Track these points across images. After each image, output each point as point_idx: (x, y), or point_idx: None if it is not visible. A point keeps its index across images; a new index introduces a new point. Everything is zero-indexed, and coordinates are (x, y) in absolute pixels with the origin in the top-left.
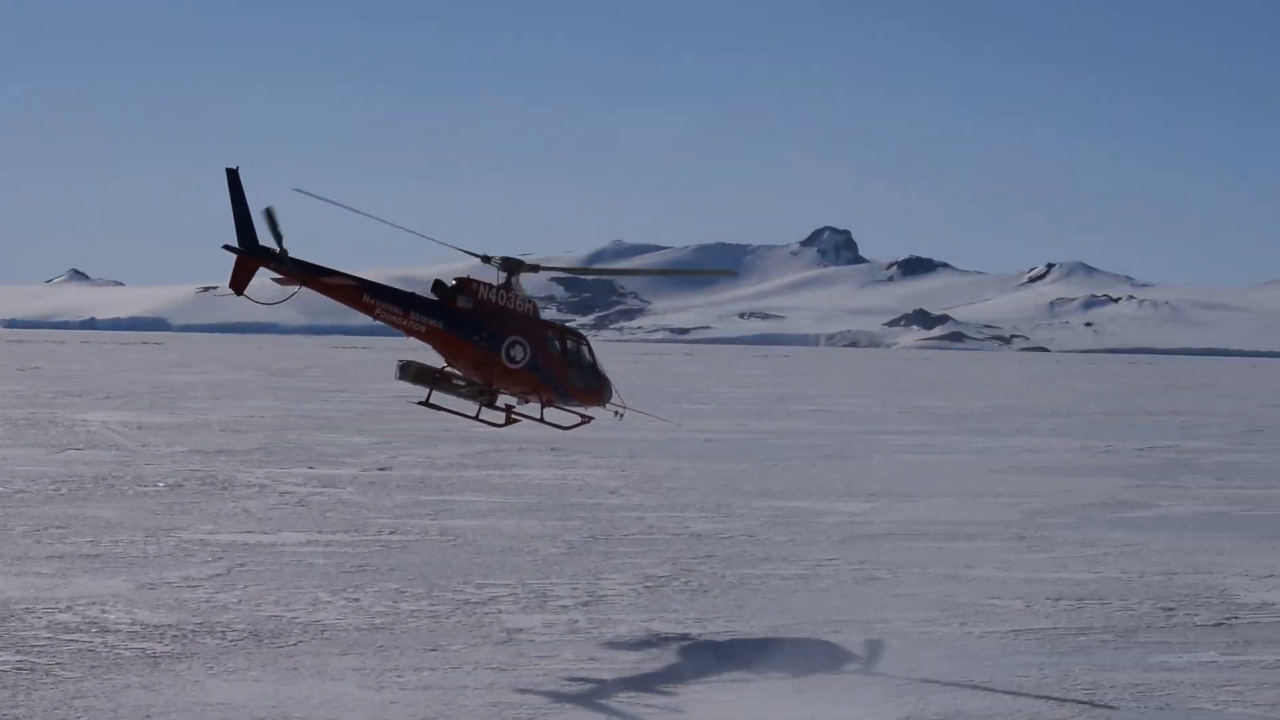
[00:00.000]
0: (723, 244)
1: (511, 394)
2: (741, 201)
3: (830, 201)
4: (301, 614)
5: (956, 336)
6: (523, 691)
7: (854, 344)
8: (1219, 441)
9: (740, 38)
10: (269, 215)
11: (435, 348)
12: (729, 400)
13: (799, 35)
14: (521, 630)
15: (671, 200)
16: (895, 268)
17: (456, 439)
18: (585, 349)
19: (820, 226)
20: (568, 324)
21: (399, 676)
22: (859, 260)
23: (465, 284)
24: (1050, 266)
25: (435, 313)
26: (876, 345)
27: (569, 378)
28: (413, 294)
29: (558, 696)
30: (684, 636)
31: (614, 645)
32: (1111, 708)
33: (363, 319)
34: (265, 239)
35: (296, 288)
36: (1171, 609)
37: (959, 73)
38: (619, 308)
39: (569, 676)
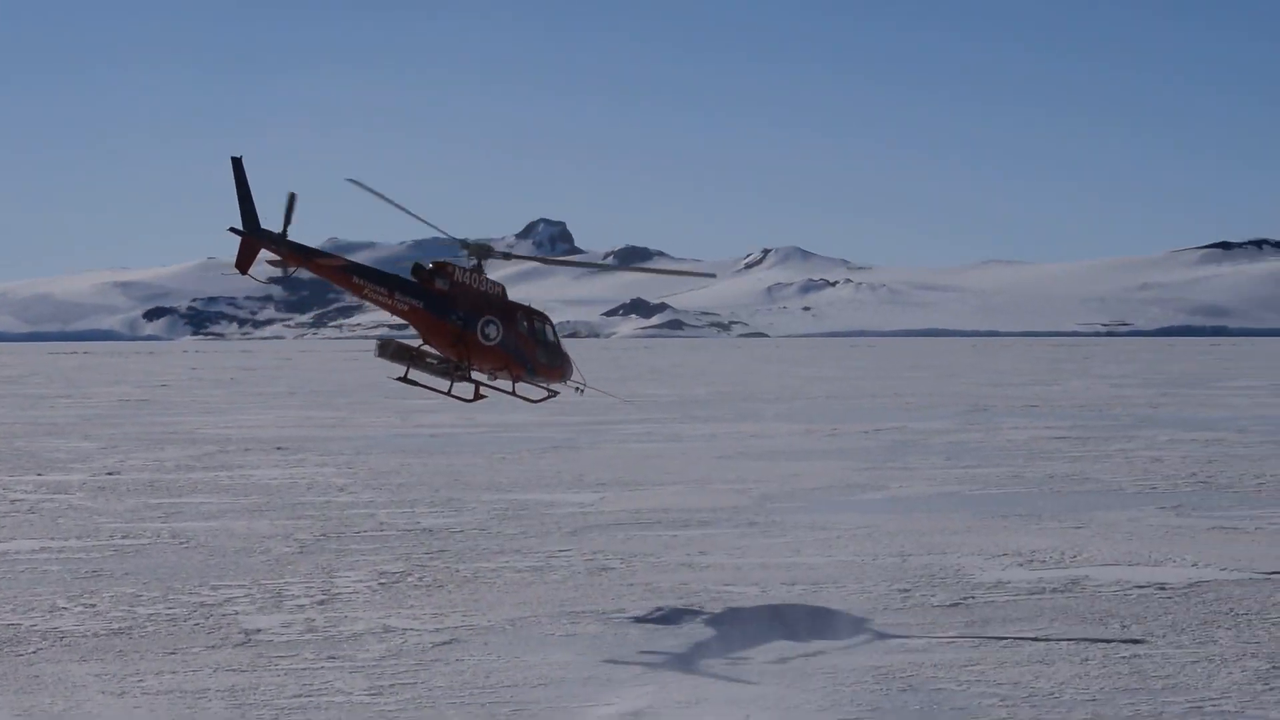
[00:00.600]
0: (437, 239)
1: (483, 370)
2: (457, 196)
3: (545, 194)
4: (39, 621)
5: (675, 324)
6: (264, 692)
7: (574, 334)
8: (944, 422)
9: (442, 38)
10: (290, 200)
11: (415, 326)
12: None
13: (502, 32)
14: (259, 630)
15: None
16: (612, 258)
17: (182, 441)
18: (549, 329)
19: (535, 219)
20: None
21: (140, 681)
22: (575, 251)
23: (442, 267)
24: (766, 252)
25: (416, 294)
26: (596, 335)
27: (536, 355)
28: (396, 276)
29: (299, 696)
30: (421, 632)
31: (352, 642)
32: (854, 690)
33: (83, 324)
34: (270, 223)
35: (293, 268)
36: (908, 590)
37: (666, 64)
38: (336, 305)
39: (309, 676)
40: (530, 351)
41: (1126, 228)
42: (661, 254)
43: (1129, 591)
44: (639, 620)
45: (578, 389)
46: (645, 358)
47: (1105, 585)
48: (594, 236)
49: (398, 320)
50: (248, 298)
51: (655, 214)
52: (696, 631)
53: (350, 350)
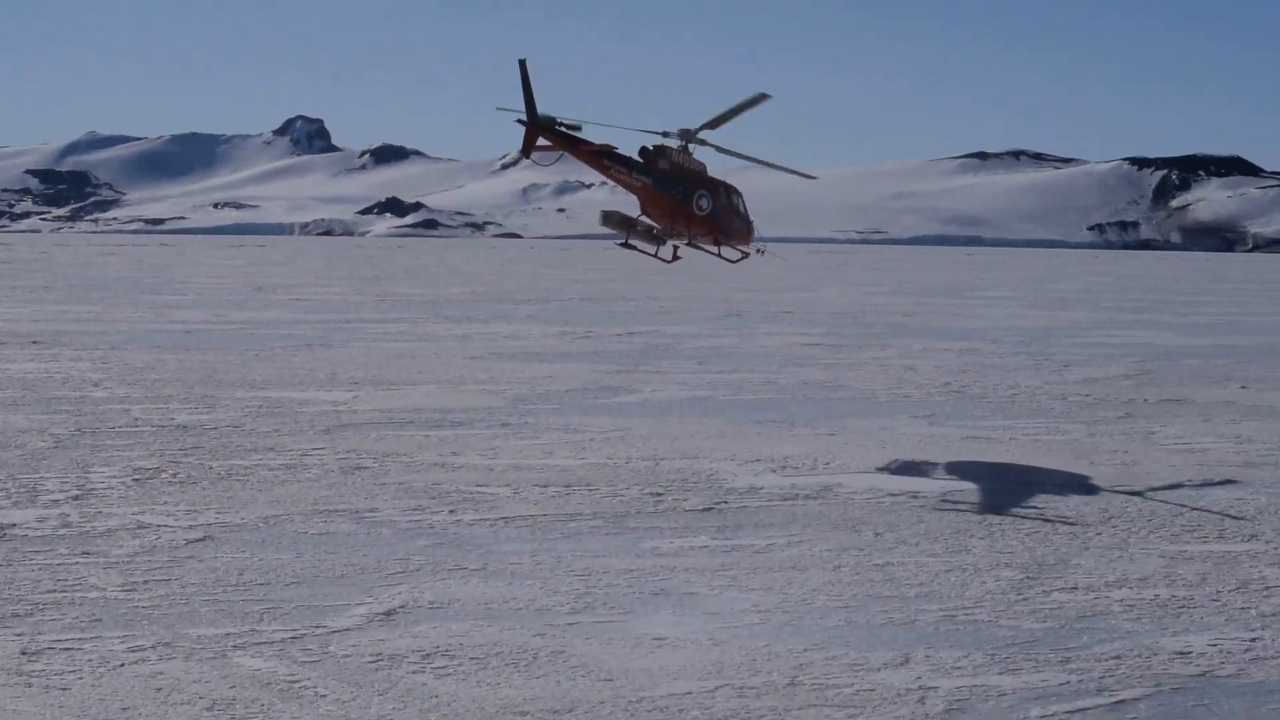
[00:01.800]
0: (195, 134)
1: (692, 236)
2: (214, 91)
3: (302, 91)
4: None
5: (430, 224)
6: (19, 587)
7: (328, 232)
8: (698, 326)
9: None
10: (547, 118)
11: (641, 198)
12: (208, 291)
13: None
14: (14, 525)
15: (143, 90)
16: (368, 156)
17: None
18: (741, 200)
19: (293, 115)
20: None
21: None
22: (332, 149)
23: (662, 150)
24: None
25: (646, 172)
26: (350, 234)
27: (734, 223)
28: (632, 158)
29: (53, 591)
30: (175, 528)
31: (106, 538)
32: (608, 593)
33: None
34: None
35: (559, 154)
36: (660, 494)
37: None
38: (94, 199)
39: (64, 571)
40: (729, 220)
41: (884, 137)
42: (418, 153)
43: (882, 499)
44: (392, 520)
45: (759, 251)
46: (399, 257)
47: (858, 493)
48: (351, 134)
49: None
50: (3, 190)
51: (411, 112)
52: (450, 532)
53: (107, 244)
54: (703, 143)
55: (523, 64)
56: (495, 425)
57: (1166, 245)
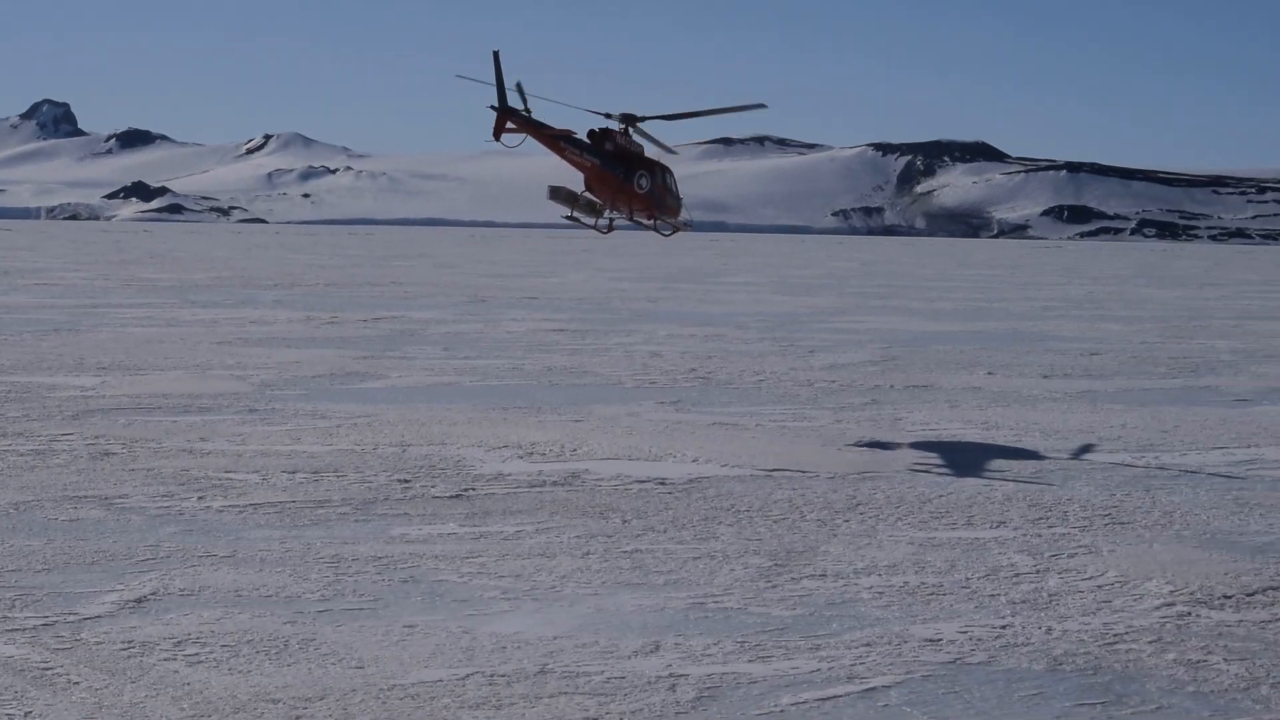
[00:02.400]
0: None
1: (629, 212)
2: None
3: (49, 75)
4: None
5: (176, 209)
6: None
7: (74, 217)
8: (443, 312)
9: None
10: (518, 87)
11: (587, 176)
12: None
13: None
14: None
15: None
16: (114, 140)
17: None
18: (673, 179)
19: (39, 99)
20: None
21: None
22: (78, 133)
23: (607, 133)
24: (268, 138)
25: (594, 153)
26: (97, 218)
27: (666, 200)
28: (583, 140)
29: None
30: None
31: None
32: (358, 580)
33: None
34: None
35: (524, 137)
36: (408, 481)
37: None
38: None
39: None
40: (664, 197)
41: None
42: (164, 137)
43: (630, 486)
44: (142, 507)
45: (687, 225)
46: (145, 241)
47: (606, 479)
48: (98, 118)
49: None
50: None
51: (158, 97)
52: (199, 518)
53: None
54: (643, 133)
55: (496, 55)
56: (243, 411)
57: (911, 231)
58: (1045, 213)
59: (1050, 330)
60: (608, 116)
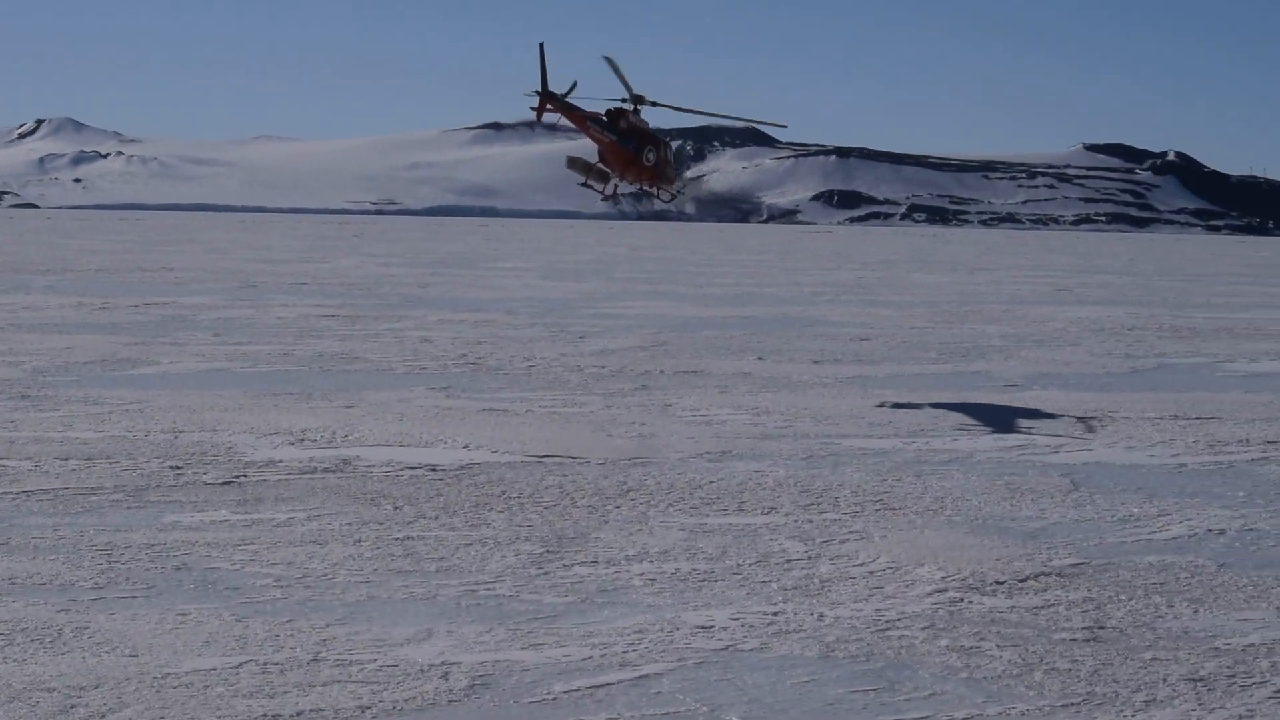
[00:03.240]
0: None
1: (635, 181)
2: None
3: None
4: None
5: None
6: None
7: None
8: (214, 297)
9: None
10: (573, 86)
11: (605, 150)
12: None
13: None
14: None
15: None
16: None
17: None
18: (671, 152)
19: None
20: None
21: None
22: None
23: (621, 112)
24: (40, 123)
25: (612, 130)
26: None
27: (668, 171)
28: (602, 118)
29: None
30: None
31: None
32: (130, 567)
33: None
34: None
35: (557, 116)
36: (180, 467)
37: None
38: None
39: None
40: (665, 169)
41: (398, 106)
42: None
43: (400, 473)
44: None
45: (681, 191)
46: None
47: (377, 466)
48: None
49: None
50: None
51: None
52: None
53: None
54: (654, 104)
55: (541, 47)
56: (15, 398)
57: (682, 216)
58: (815, 198)
59: (820, 315)
60: (622, 100)
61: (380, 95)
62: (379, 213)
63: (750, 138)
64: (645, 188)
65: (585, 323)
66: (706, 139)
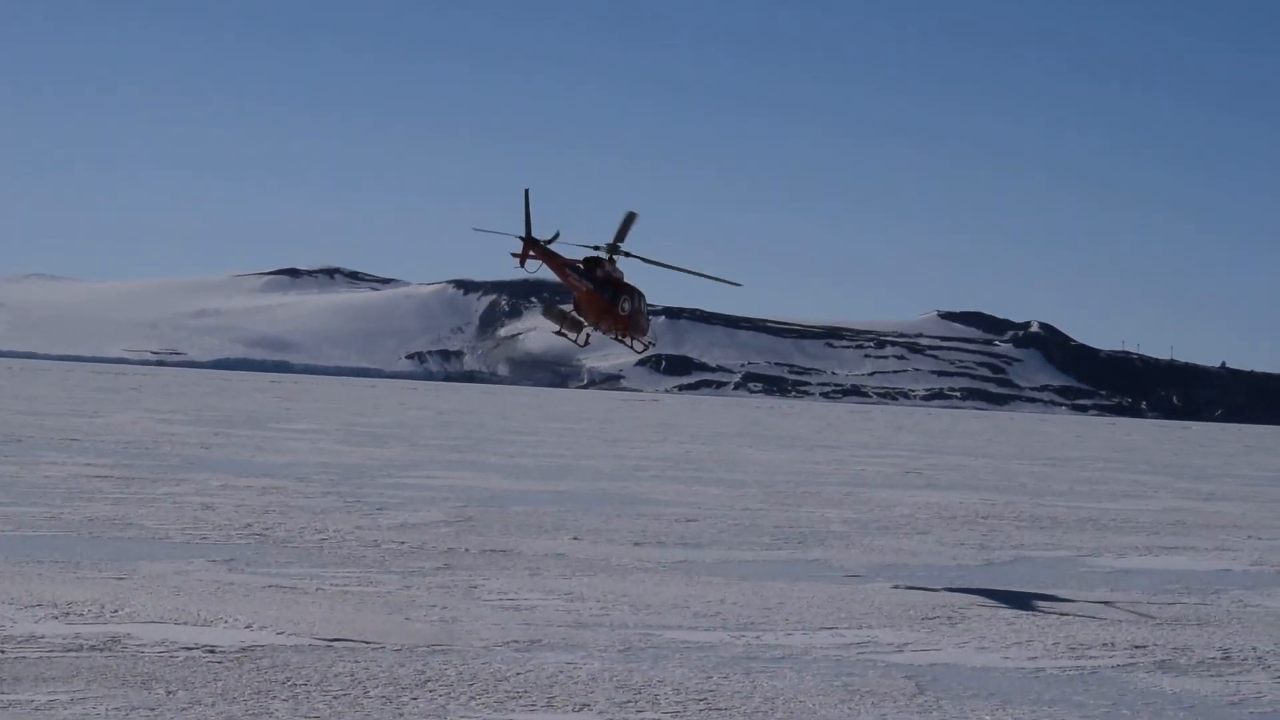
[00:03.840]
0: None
1: (610, 330)
2: None
3: None
4: None
5: None
6: None
7: None
8: None
9: None
10: (556, 235)
11: (580, 298)
12: None
13: None
14: None
15: None
16: None
17: None
18: (644, 302)
19: None
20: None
21: None
22: None
23: (597, 261)
24: None
25: (590, 279)
26: None
27: (640, 321)
28: (581, 267)
29: None
30: None
31: None
32: None
33: None
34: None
35: (539, 264)
36: None
37: None
38: None
39: None
40: (639, 319)
41: (185, 248)
42: None
43: (175, 653)
44: None
45: (651, 344)
46: None
47: (149, 645)
48: None
49: None
50: None
51: None
52: None
53: None
54: (626, 254)
55: (526, 193)
56: None
57: (494, 378)
58: (641, 362)
59: (643, 492)
60: (595, 248)
61: (165, 234)
62: (160, 363)
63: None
64: (619, 336)
65: (384, 493)
66: (523, 295)
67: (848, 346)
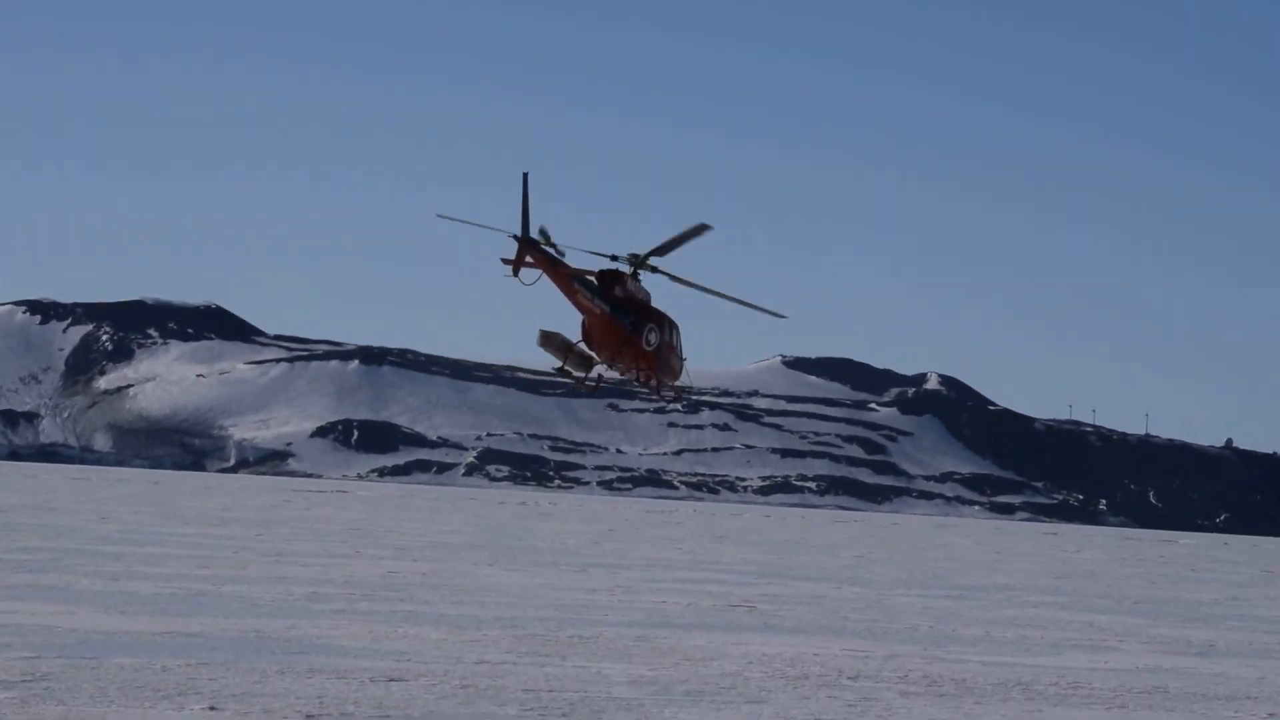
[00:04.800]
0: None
1: (628, 370)
2: None
3: None
4: None
5: None
6: None
7: None
8: None
9: None
10: (542, 231)
11: (592, 324)
12: None
13: None
14: None
15: None
16: None
17: None
18: (679, 336)
19: None
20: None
21: None
22: None
23: (618, 275)
24: None
25: (605, 299)
26: None
27: (671, 360)
28: (593, 282)
29: None
30: None
31: None
32: None
33: None
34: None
35: (540, 273)
36: None
37: None
38: None
39: None
40: (669, 357)
41: None
42: None
43: None
44: None
45: (686, 393)
46: None
47: None
48: None
49: None
50: None
51: None
52: None
53: None
54: (653, 269)
55: (525, 177)
56: None
57: (88, 454)
58: (321, 431)
59: (320, 636)
60: (614, 258)
61: None
62: None
63: (213, 322)
64: (640, 380)
65: None
66: (135, 323)
67: (643, 410)
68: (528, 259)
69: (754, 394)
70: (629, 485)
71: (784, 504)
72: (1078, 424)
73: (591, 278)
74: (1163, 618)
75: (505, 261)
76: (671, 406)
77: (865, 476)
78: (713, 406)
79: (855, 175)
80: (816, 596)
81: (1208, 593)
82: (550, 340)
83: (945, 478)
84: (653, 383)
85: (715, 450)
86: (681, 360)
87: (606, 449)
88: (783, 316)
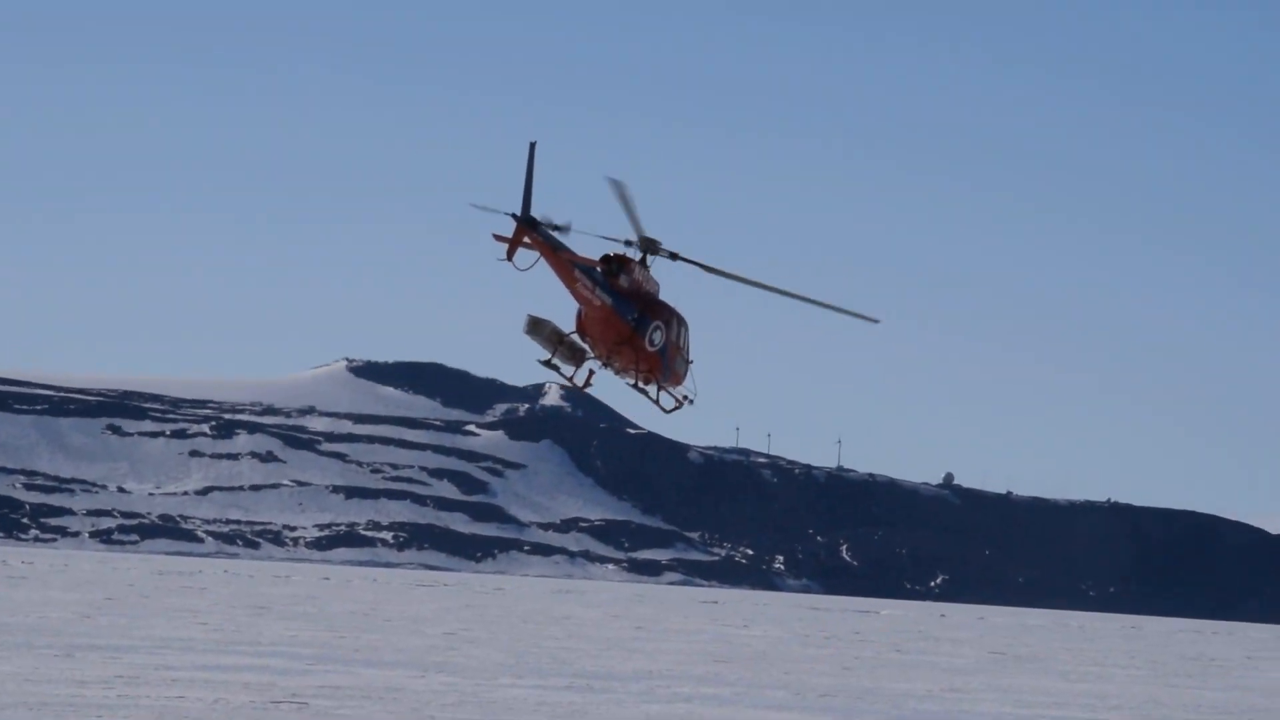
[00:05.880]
0: None
1: (627, 369)
2: None
3: None
4: None
5: None
6: None
7: None
8: None
9: None
10: (550, 223)
11: (590, 316)
12: None
13: None
14: None
15: None
16: None
17: None
18: (687, 334)
19: None
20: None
21: None
22: None
23: (624, 262)
24: None
25: (606, 289)
26: None
27: (675, 362)
28: (595, 269)
29: None
30: None
31: None
32: None
33: None
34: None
35: (537, 257)
36: None
37: None
38: None
39: None
40: (674, 359)
41: None
42: None
43: None
44: None
45: (689, 400)
46: None
47: None
48: None
49: None
50: None
51: None
52: None
53: None
54: (674, 256)
55: (532, 148)
56: None
57: None
58: None
59: None
60: (627, 243)
61: None
62: None
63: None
64: (639, 382)
65: None
66: None
67: (156, 434)
68: (525, 240)
69: (310, 411)
70: (135, 537)
71: (349, 562)
72: (747, 453)
73: (595, 264)
74: (858, 717)
75: (499, 239)
76: (196, 429)
77: (460, 525)
78: (252, 429)
79: None
80: (392, 689)
81: (919, 681)
82: (539, 328)
83: (569, 526)
84: (652, 386)
85: (255, 489)
86: (688, 363)
87: (104, 487)
88: (876, 321)
